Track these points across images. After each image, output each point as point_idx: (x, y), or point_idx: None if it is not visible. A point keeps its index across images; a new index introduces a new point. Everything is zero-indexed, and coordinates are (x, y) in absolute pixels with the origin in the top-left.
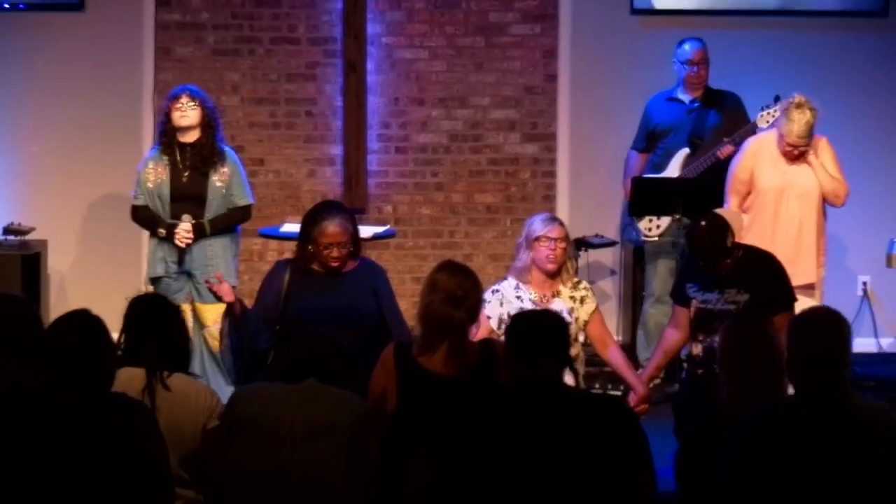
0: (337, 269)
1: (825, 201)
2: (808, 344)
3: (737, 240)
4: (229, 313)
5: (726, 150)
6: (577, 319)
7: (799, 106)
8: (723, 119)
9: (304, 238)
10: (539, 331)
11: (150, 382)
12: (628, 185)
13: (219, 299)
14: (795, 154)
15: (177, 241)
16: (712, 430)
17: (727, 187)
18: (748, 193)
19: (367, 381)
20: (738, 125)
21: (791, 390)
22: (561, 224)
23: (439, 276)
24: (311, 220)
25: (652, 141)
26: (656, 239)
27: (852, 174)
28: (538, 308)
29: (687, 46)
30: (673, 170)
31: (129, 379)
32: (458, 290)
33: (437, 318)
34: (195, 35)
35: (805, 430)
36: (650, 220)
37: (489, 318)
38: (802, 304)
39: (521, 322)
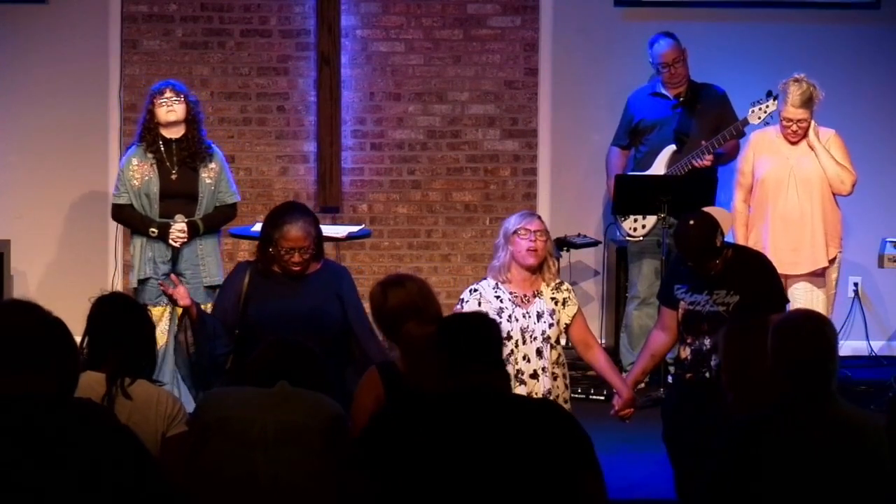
0: (298, 274)
1: (831, 188)
2: (792, 351)
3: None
4: (185, 317)
5: (703, 161)
6: (558, 322)
7: (797, 80)
8: (709, 114)
9: (264, 240)
10: (470, 335)
11: (111, 390)
12: (612, 184)
13: (174, 303)
14: (794, 131)
15: (171, 241)
16: (716, 438)
17: (733, 181)
18: (752, 187)
19: (335, 386)
20: (724, 120)
21: None
22: (539, 218)
23: (391, 301)
24: (273, 222)
25: (635, 137)
26: (640, 239)
27: None
28: (469, 311)
29: (657, 46)
30: (659, 167)
31: (89, 385)
32: (417, 298)
33: (420, 342)
34: (163, 27)
35: (792, 439)
36: (635, 220)
37: None
38: (809, 291)
39: (451, 326)
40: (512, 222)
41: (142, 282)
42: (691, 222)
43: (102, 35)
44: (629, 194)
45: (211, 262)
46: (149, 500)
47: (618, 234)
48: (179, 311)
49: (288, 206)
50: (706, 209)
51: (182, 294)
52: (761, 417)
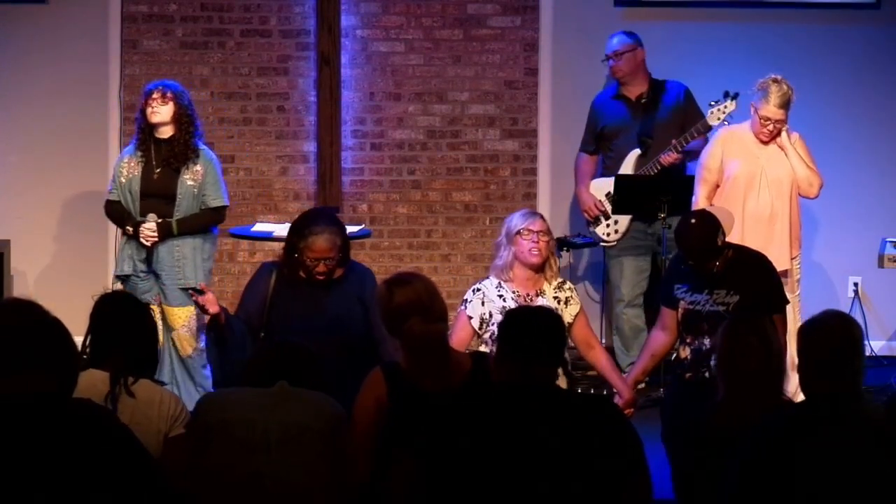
0: (323, 283)
1: (799, 191)
2: (819, 350)
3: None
4: (214, 325)
5: (670, 157)
6: None
7: (776, 81)
8: (671, 114)
9: (290, 247)
10: (533, 332)
11: (114, 390)
12: (582, 192)
13: (204, 311)
14: (770, 131)
15: (141, 240)
16: (707, 431)
17: (696, 177)
18: (717, 184)
19: (337, 388)
20: (689, 115)
21: (791, 391)
22: (542, 218)
23: (398, 299)
24: (299, 232)
25: (602, 142)
26: (615, 244)
27: (843, 172)
28: (532, 305)
29: (608, 42)
30: (625, 172)
31: (92, 383)
32: (423, 296)
33: (423, 339)
34: (163, 27)
35: (820, 439)
36: (608, 225)
37: (471, 317)
38: None
39: (515, 320)
40: (515, 222)
41: (122, 278)
42: (692, 221)
43: (102, 35)
44: (629, 194)
45: (187, 265)
46: (148, 500)
47: (592, 239)
48: (174, 310)
49: (314, 216)
50: (708, 208)
51: (210, 301)
52: (789, 418)
